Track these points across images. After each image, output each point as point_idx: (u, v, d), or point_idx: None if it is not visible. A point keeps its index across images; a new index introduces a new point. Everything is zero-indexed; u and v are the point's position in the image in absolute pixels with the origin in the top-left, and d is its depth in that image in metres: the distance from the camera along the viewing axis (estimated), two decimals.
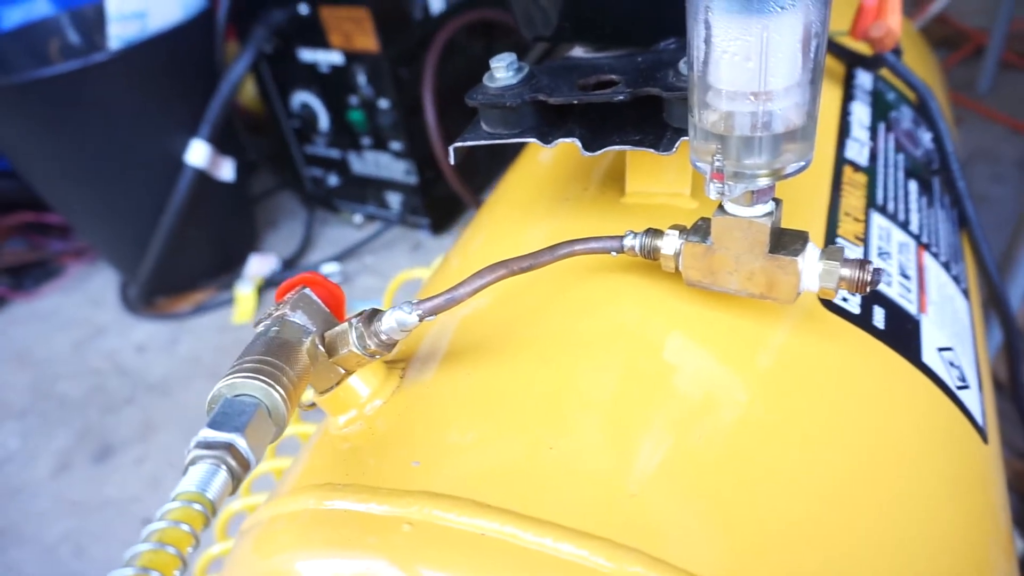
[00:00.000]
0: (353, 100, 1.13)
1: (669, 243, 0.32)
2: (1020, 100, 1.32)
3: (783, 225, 0.31)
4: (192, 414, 1.00)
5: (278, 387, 0.28)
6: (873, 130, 0.51)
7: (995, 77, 1.35)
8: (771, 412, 0.30)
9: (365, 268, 1.20)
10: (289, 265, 1.23)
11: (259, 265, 1.20)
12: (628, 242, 0.33)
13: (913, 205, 0.47)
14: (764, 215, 0.29)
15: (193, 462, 0.24)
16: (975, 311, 0.46)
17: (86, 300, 1.28)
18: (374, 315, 0.32)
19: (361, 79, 1.09)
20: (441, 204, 1.22)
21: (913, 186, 0.49)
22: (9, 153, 1.07)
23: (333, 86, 1.14)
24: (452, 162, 0.38)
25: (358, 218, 1.30)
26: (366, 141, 1.18)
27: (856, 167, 0.46)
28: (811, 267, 0.29)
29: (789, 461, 0.29)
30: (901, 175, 0.49)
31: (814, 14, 0.25)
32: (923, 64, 0.68)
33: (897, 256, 0.41)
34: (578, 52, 0.42)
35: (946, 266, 0.45)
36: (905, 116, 0.55)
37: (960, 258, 0.49)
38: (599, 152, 0.35)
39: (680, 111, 0.34)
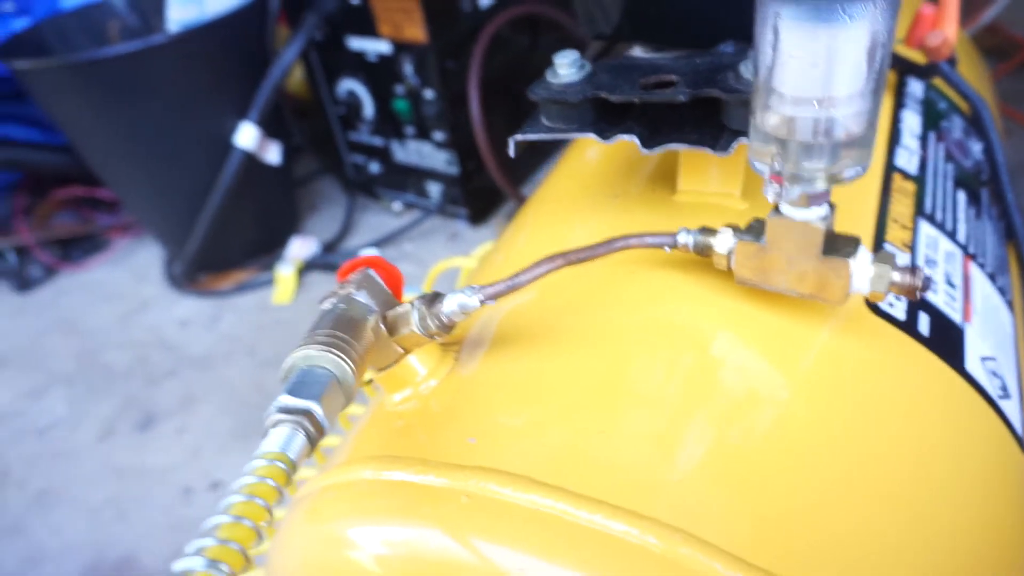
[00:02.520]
0: (399, 89, 1.15)
1: (722, 241, 0.33)
2: None
3: (840, 222, 0.32)
4: (230, 389, 1.03)
5: (348, 360, 0.29)
6: (923, 139, 0.51)
7: None
8: (814, 410, 0.31)
9: (403, 255, 1.22)
10: (329, 249, 1.25)
11: (300, 248, 1.23)
12: (682, 238, 0.34)
13: (961, 215, 0.47)
14: (819, 218, 0.30)
15: (274, 425, 0.26)
16: (1019, 323, 0.47)
17: (131, 274, 1.32)
18: (435, 298, 0.34)
19: (408, 69, 1.11)
20: (480, 196, 1.23)
21: (961, 196, 0.49)
22: (67, 128, 1.11)
23: (380, 75, 1.16)
24: (512, 154, 0.39)
25: (397, 205, 1.32)
26: (409, 130, 1.20)
27: (906, 175, 0.47)
28: (863, 270, 0.30)
29: (829, 458, 0.30)
30: (950, 185, 0.49)
31: (881, 24, 0.25)
32: (975, 74, 0.68)
33: (944, 264, 0.42)
34: (637, 52, 0.43)
35: (992, 277, 0.45)
36: (956, 126, 0.55)
37: (1006, 270, 0.49)
38: (657, 150, 0.36)
39: (738, 113, 0.35)
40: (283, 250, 1.24)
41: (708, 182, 0.41)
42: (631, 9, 0.40)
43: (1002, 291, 0.46)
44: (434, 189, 1.25)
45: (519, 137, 0.39)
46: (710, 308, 0.35)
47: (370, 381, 0.37)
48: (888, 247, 0.40)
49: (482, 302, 0.33)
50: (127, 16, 1.21)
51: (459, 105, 1.12)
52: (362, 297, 0.34)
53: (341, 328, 0.31)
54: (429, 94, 1.12)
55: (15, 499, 0.92)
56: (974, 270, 0.44)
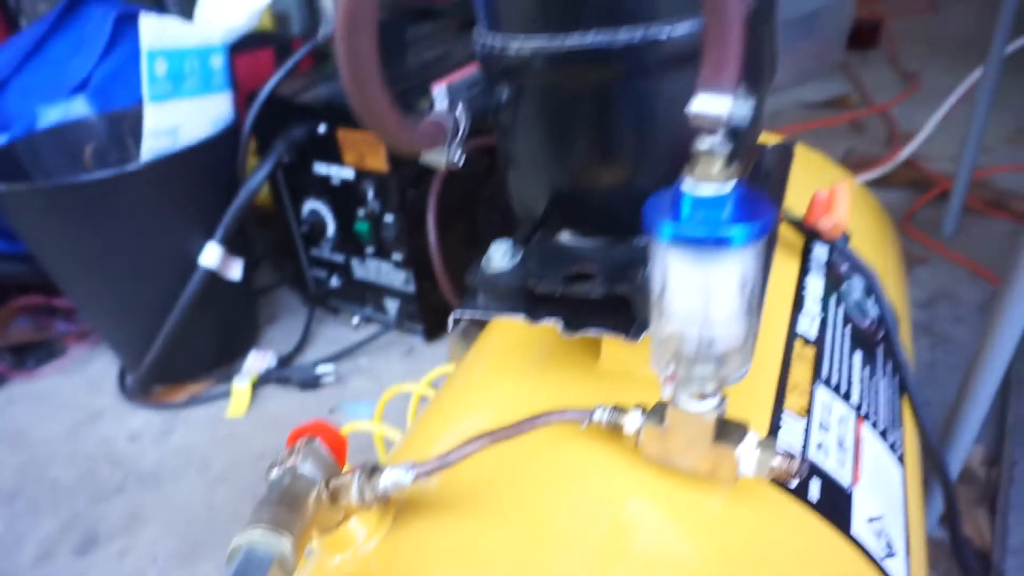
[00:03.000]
0: (361, 212, 1.21)
1: (631, 422, 0.38)
2: (982, 244, 1.41)
3: (738, 397, 0.36)
4: (178, 507, 1.02)
5: (289, 538, 0.32)
6: (825, 301, 0.58)
7: (959, 221, 1.44)
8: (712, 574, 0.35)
9: (359, 370, 1.25)
10: (285, 362, 1.27)
11: (257, 361, 1.25)
12: (597, 416, 0.39)
13: (856, 376, 0.53)
14: (710, 410, 0.35)
15: None
16: (910, 475, 0.51)
17: (85, 384, 1.31)
18: (374, 471, 0.37)
19: (370, 194, 1.17)
20: (435, 312, 1.28)
21: (857, 357, 0.55)
22: (31, 244, 1.13)
23: (343, 198, 1.22)
24: (450, 329, 0.44)
25: (356, 319, 1.36)
26: (370, 250, 1.25)
27: (806, 341, 0.52)
28: (748, 456, 0.35)
29: None
30: (848, 345, 0.55)
31: (748, 265, 0.31)
32: (874, 231, 0.76)
33: (836, 428, 0.47)
34: (565, 235, 0.48)
35: (883, 434, 0.51)
36: (856, 287, 0.62)
37: (899, 424, 0.54)
38: (578, 334, 0.41)
39: (646, 308, 0.40)
40: (240, 362, 1.26)
41: (629, 354, 0.46)
42: (557, 200, 0.46)
43: (893, 447, 0.51)
44: (391, 305, 1.29)
45: (456, 315, 0.44)
46: (623, 479, 0.39)
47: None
48: (786, 413, 0.45)
49: (415, 479, 0.36)
50: (103, 136, 1.27)
51: (417, 228, 1.18)
52: (306, 469, 0.37)
53: (285, 504, 0.34)
54: (389, 218, 1.18)
55: None
56: (865, 430, 0.49)
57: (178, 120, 1.08)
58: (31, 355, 1.37)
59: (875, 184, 1.59)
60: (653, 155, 0.43)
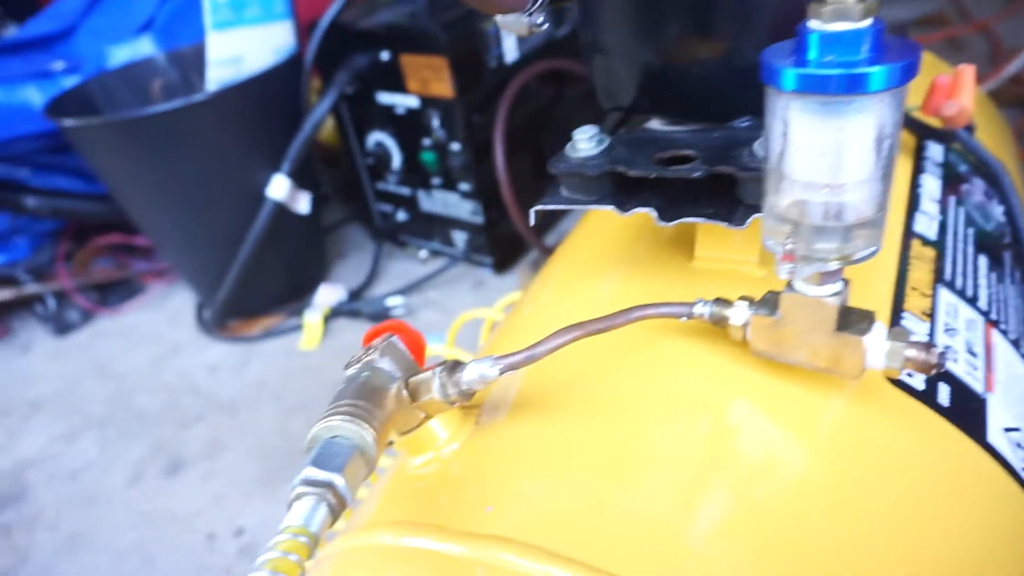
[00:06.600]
0: (426, 142, 1.18)
1: (738, 314, 0.34)
2: None
3: (852, 300, 0.32)
4: (256, 435, 1.04)
5: (370, 430, 0.30)
6: (943, 203, 0.52)
7: None
8: (830, 482, 0.31)
9: (429, 303, 1.24)
10: (356, 296, 1.27)
11: (327, 295, 1.25)
12: (698, 309, 0.35)
13: (983, 280, 0.47)
14: (832, 295, 0.30)
15: (298, 497, 0.27)
16: None
17: (165, 319, 1.35)
18: (456, 366, 0.35)
19: (435, 122, 1.14)
20: (504, 244, 1.25)
21: (983, 261, 0.49)
22: (108, 180, 1.15)
23: (408, 128, 1.19)
24: (532, 222, 0.40)
25: (424, 253, 1.34)
26: (436, 181, 1.22)
27: (925, 241, 0.47)
28: (877, 346, 0.31)
29: (845, 530, 0.30)
30: (971, 249, 0.49)
31: (887, 117, 0.26)
32: (995, 134, 0.68)
33: (964, 333, 0.42)
34: (655, 124, 0.44)
35: (1015, 344, 0.45)
36: (977, 189, 0.56)
37: None
38: (673, 223, 0.37)
39: (753, 189, 0.36)
40: (311, 296, 1.26)
41: (725, 249, 0.42)
42: (647, 85, 0.42)
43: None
44: (459, 238, 1.27)
45: (539, 207, 0.40)
46: (726, 377, 0.35)
47: (391, 443, 0.38)
48: (906, 316, 0.41)
49: (501, 372, 0.33)
50: (169, 73, 1.27)
51: (484, 157, 1.14)
52: (385, 364, 0.35)
53: (364, 397, 0.32)
54: (455, 147, 1.14)
55: (46, 543, 0.93)
56: (997, 337, 0.44)
57: (241, 49, 1.07)
58: (114, 292, 1.42)
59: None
60: (758, 22, 0.38)
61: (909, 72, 0.26)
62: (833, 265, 0.29)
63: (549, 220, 1.32)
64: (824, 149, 0.27)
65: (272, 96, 1.11)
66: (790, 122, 0.27)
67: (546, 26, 0.35)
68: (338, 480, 0.27)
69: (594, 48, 0.44)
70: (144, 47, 1.30)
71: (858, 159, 0.27)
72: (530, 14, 0.34)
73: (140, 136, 1.02)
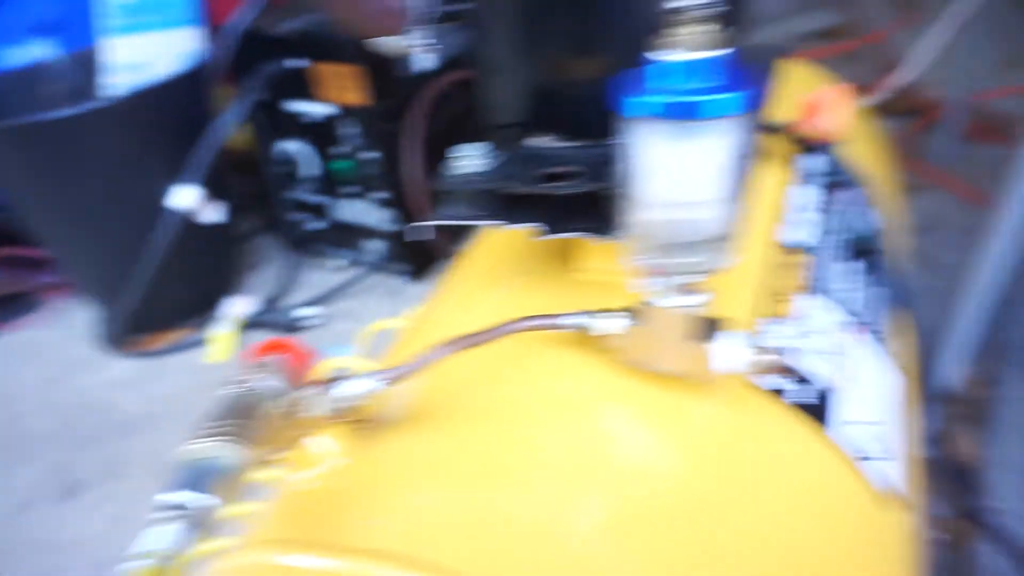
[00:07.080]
0: (339, 150, 1.17)
1: (606, 325, 0.35)
2: (977, 169, 1.39)
3: (715, 309, 0.34)
4: (160, 455, 1.00)
5: (239, 449, 0.30)
6: (821, 209, 0.55)
7: (954, 147, 1.42)
8: (693, 482, 0.34)
9: (343, 313, 1.23)
10: (269, 306, 1.25)
11: (240, 306, 1.22)
12: (571, 321, 0.36)
13: (852, 283, 0.51)
14: (686, 306, 0.32)
15: (161, 520, 0.26)
16: (910, 387, 0.50)
17: (64, 335, 1.29)
18: (337, 382, 0.35)
19: (348, 131, 1.13)
20: (421, 252, 1.25)
21: (854, 265, 0.52)
22: (3, 189, 1.09)
23: (320, 136, 1.18)
24: (431, 236, 0.41)
25: (339, 263, 1.33)
26: (350, 189, 1.21)
27: (792, 248, 0.50)
28: (723, 352, 0.33)
29: (706, 524, 0.32)
30: (846, 253, 0.53)
31: (730, 142, 0.28)
32: (870, 146, 0.73)
33: (823, 334, 0.45)
34: (541, 140, 0.45)
35: (881, 342, 0.49)
36: (850, 198, 0.60)
37: (895, 334, 0.52)
38: (555, 237, 0.39)
39: (622, 206, 0.37)
40: (221, 308, 1.23)
41: (605, 261, 0.44)
42: (532, 104, 0.43)
43: (892, 356, 0.49)
44: (374, 246, 1.26)
45: (428, 223, 0.41)
46: (601, 385, 0.37)
47: (273, 462, 0.38)
48: (763, 323, 0.43)
49: (383, 386, 0.34)
50: (70, 77, 1.21)
51: (399, 165, 1.14)
52: (266, 381, 0.35)
53: (239, 414, 0.32)
54: (369, 155, 1.14)
55: None
56: (859, 338, 0.47)
57: (142, 56, 1.03)
58: (9, 308, 1.34)
59: (871, 113, 1.55)
60: (635, 43, 0.40)
61: (751, 101, 0.28)
62: (687, 278, 0.31)
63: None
64: (669, 171, 0.28)
65: (176, 103, 1.07)
66: (637, 145, 0.28)
67: (431, 47, 0.35)
68: (205, 500, 0.27)
69: (483, 65, 0.46)
70: (43, 49, 1.23)
71: (703, 181, 0.29)
72: (408, 37, 0.34)
73: (36, 144, 0.97)
